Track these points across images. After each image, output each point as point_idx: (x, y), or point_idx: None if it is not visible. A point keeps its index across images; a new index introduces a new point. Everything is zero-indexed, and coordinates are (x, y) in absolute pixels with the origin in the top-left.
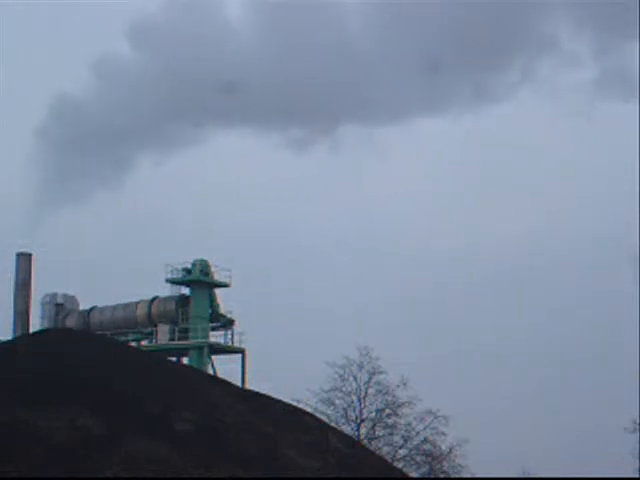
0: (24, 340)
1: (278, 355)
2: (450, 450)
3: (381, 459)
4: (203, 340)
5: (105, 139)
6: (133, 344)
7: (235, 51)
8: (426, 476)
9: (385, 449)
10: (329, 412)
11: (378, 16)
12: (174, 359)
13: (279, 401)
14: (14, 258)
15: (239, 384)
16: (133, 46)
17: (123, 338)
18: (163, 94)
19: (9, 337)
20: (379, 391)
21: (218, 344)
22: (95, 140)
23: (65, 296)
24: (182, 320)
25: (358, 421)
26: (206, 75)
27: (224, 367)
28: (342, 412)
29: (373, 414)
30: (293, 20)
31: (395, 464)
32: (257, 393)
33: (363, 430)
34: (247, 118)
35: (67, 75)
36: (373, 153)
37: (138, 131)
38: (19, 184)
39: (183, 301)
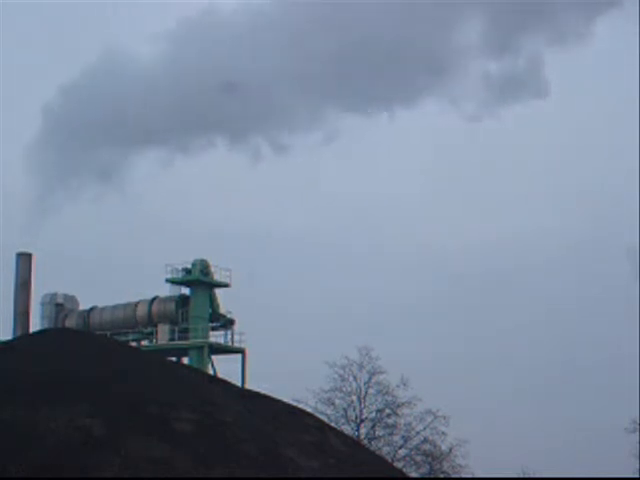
0: (24, 340)
1: (278, 355)
2: (450, 450)
3: (381, 459)
4: (203, 340)
5: (108, 137)
6: (133, 344)
7: None
8: (426, 476)
9: (385, 449)
10: (329, 412)
11: None
12: (174, 359)
13: (279, 401)
14: (14, 258)
15: (239, 384)
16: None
17: (123, 338)
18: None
19: (9, 337)
20: (379, 391)
21: (218, 344)
22: (97, 138)
23: (65, 296)
24: (182, 320)
25: (358, 421)
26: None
27: (224, 367)
28: (342, 412)
29: (373, 414)
30: None
31: (395, 464)
32: (257, 393)
33: (363, 430)
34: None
35: (70, 70)
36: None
37: (140, 130)
38: (19, 184)
39: (183, 301)
